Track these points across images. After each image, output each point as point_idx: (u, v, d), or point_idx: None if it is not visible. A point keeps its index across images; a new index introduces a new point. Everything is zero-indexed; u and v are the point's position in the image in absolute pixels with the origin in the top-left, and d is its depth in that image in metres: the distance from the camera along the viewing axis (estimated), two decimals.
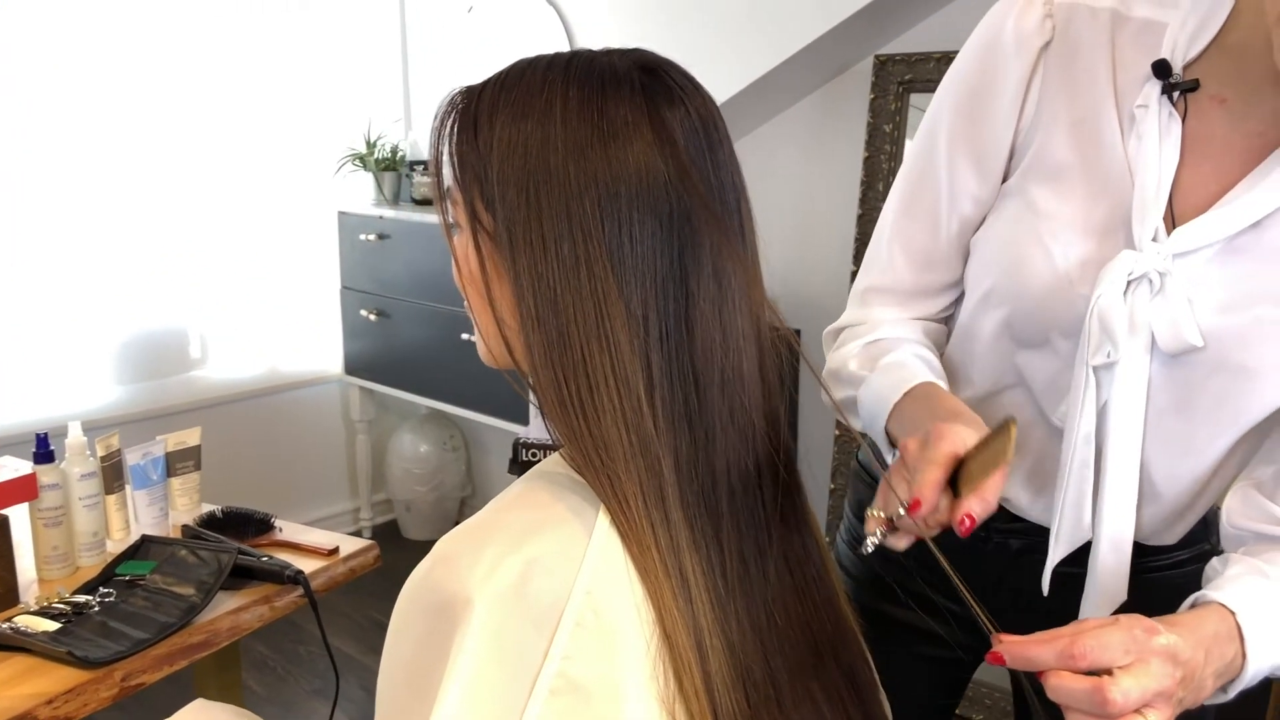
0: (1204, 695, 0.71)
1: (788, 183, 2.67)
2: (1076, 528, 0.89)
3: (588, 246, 0.64)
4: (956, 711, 2.37)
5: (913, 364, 0.92)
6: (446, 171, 0.71)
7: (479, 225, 0.68)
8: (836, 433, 2.57)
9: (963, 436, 0.73)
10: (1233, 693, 0.75)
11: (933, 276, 0.99)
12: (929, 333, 1.01)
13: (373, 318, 3.08)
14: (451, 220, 0.73)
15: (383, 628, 0.66)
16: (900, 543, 0.75)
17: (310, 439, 3.30)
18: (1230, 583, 0.76)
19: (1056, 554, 0.90)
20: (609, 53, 0.69)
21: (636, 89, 0.66)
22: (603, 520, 0.64)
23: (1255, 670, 0.74)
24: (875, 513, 0.76)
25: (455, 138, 0.70)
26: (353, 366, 3.22)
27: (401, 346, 3.03)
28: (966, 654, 1.09)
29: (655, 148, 0.65)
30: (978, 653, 1.09)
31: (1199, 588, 1.03)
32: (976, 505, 0.71)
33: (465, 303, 0.75)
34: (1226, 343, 0.82)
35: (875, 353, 0.96)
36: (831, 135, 2.59)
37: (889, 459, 0.90)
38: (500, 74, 0.70)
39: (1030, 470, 0.96)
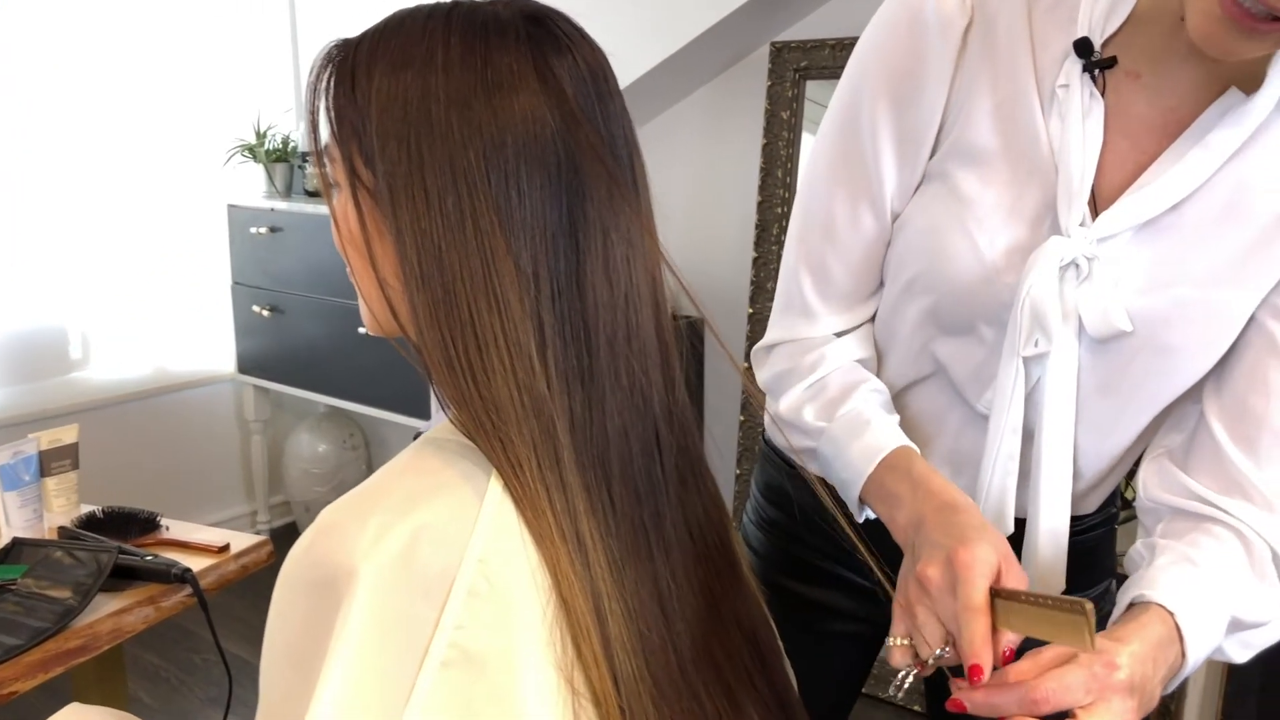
0: (1154, 703, 0.72)
1: (687, 171, 2.67)
2: (999, 521, 0.89)
3: (473, 200, 0.61)
4: (862, 691, 2.40)
5: (876, 419, 0.87)
6: (324, 128, 0.68)
7: (358, 182, 0.65)
8: (742, 418, 2.59)
9: (990, 564, 0.69)
10: (1171, 688, 0.76)
11: (871, 276, 0.94)
12: (870, 342, 0.97)
13: (266, 314, 2.97)
14: (330, 180, 0.69)
15: None
16: (926, 672, 0.72)
17: (202, 441, 3.18)
18: (1162, 575, 0.77)
19: None
20: (493, 1, 0.67)
21: (522, 38, 0.64)
22: (495, 485, 0.62)
23: (1192, 664, 0.75)
24: (899, 642, 0.72)
25: (332, 92, 0.67)
26: (246, 365, 3.11)
27: (297, 343, 2.94)
28: (873, 629, 1.09)
29: (542, 97, 0.63)
30: (885, 626, 1.10)
31: (1106, 550, 1.04)
32: (1014, 637, 0.68)
33: (347, 268, 0.72)
34: (1149, 324, 0.82)
35: (829, 397, 0.91)
36: (729, 123, 2.60)
37: (858, 517, 0.88)
38: (378, 25, 0.67)
39: (948, 452, 0.95)
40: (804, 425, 0.91)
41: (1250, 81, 0.78)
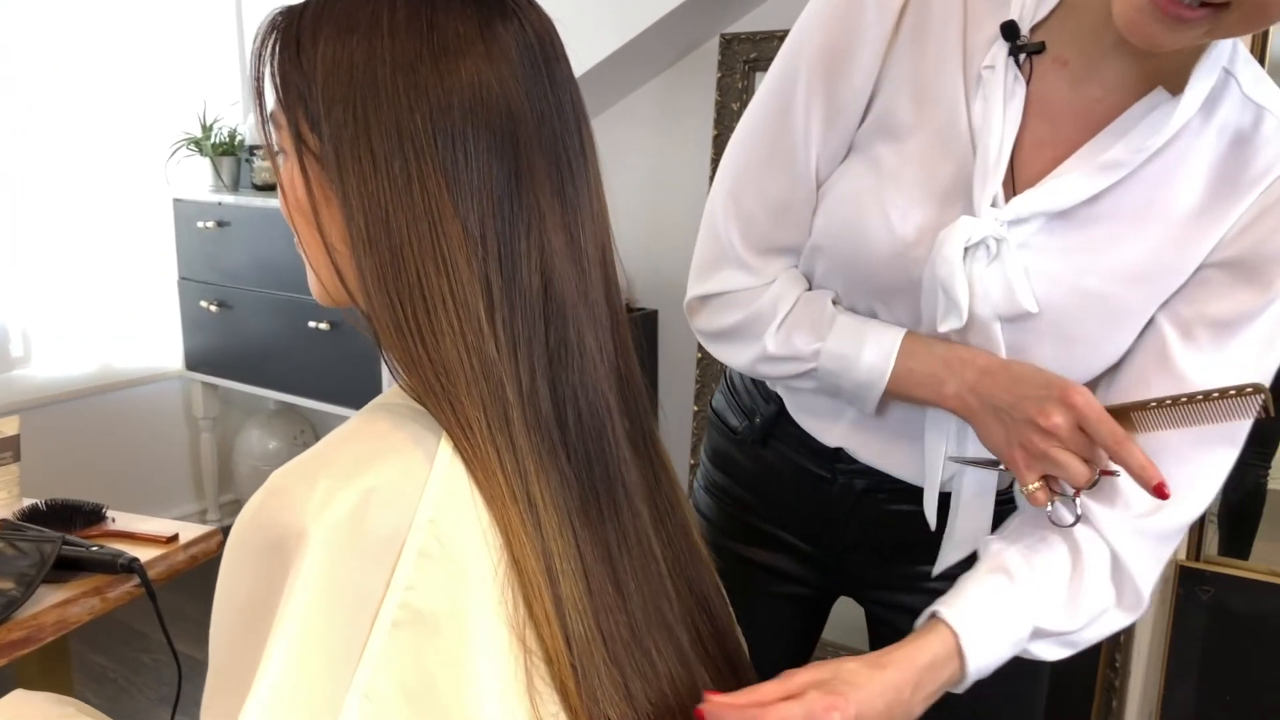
0: (914, 717, 0.77)
1: (639, 163, 2.68)
2: (934, 478, 0.93)
3: (420, 163, 0.62)
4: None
5: (868, 322, 0.90)
6: (269, 95, 0.67)
7: (304, 148, 0.65)
8: (695, 408, 2.60)
9: (1094, 397, 0.79)
10: (960, 689, 0.81)
11: (800, 233, 0.95)
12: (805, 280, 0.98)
13: (214, 309, 2.94)
14: (276, 147, 0.69)
15: None
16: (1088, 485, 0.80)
17: (150, 440, 3.13)
18: (969, 588, 0.81)
19: (931, 504, 0.93)
20: None
21: (468, 2, 0.64)
22: (445, 448, 0.62)
23: (980, 671, 0.79)
24: (1034, 487, 0.80)
25: (277, 58, 0.66)
26: (194, 361, 3.07)
27: (246, 338, 2.91)
28: (819, 593, 1.11)
29: (488, 62, 0.63)
30: (830, 590, 1.12)
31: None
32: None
33: (295, 237, 0.72)
34: (1054, 311, 0.84)
35: (811, 319, 0.92)
36: (680, 115, 2.61)
37: (871, 411, 0.92)
38: None
39: (878, 426, 0.97)
40: (798, 352, 0.92)
41: (1176, 80, 0.80)
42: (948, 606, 0.80)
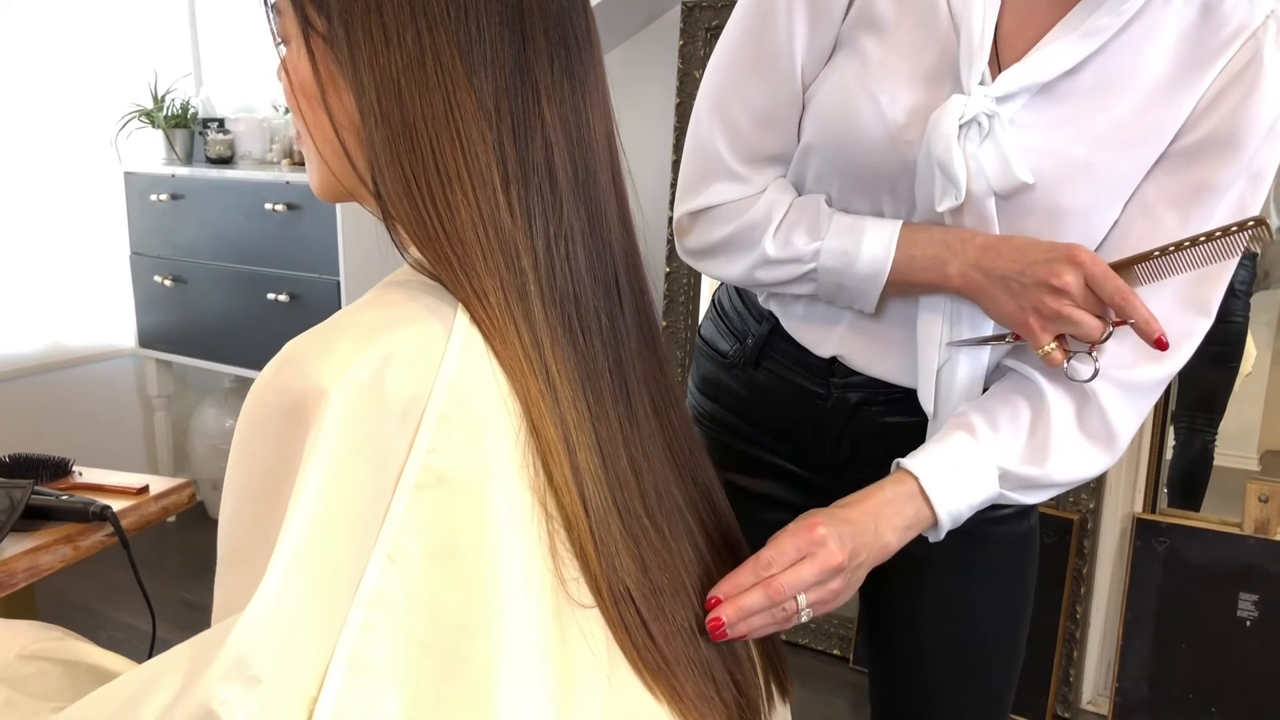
0: (890, 550, 0.83)
1: None
2: (928, 365, 0.95)
3: (433, 35, 0.61)
4: (802, 643, 2.42)
5: (863, 218, 0.92)
6: None
7: (311, 30, 0.65)
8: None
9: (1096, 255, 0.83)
10: (943, 532, 0.86)
11: (788, 140, 0.96)
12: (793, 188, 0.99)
13: (168, 284, 2.88)
14: (279, 36, 0.69)
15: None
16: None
17: (102, 419, 3.06)
18: (930, 445, 0.86)
19: (927, 393, 0.95)
20: None
21: None
22: (462, 317, 0.62)
23: (951, 513, 0.84)
24: (1050, 348, 0.84)
25: None
26: (147, 338, 3.01)
27: (201, 313, 2.86)
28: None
29: None
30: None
31: None
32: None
33: (297, 130, 0.71)
34: (1045, 184, 0.86)
35: (807, 221, 0.93)
36: (644, 84, 2.62)
37: (871, 308, 0.94)
38: None
39: (874, 330, 0.99)
40: (798, 253, 0.93)
41: None
42: (907, 458, 0.84)
